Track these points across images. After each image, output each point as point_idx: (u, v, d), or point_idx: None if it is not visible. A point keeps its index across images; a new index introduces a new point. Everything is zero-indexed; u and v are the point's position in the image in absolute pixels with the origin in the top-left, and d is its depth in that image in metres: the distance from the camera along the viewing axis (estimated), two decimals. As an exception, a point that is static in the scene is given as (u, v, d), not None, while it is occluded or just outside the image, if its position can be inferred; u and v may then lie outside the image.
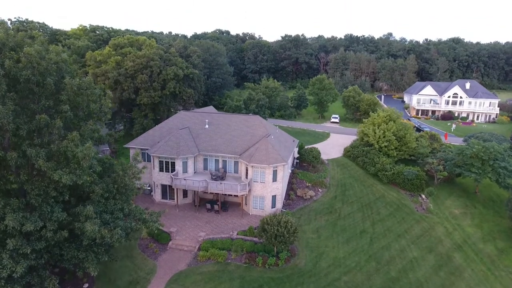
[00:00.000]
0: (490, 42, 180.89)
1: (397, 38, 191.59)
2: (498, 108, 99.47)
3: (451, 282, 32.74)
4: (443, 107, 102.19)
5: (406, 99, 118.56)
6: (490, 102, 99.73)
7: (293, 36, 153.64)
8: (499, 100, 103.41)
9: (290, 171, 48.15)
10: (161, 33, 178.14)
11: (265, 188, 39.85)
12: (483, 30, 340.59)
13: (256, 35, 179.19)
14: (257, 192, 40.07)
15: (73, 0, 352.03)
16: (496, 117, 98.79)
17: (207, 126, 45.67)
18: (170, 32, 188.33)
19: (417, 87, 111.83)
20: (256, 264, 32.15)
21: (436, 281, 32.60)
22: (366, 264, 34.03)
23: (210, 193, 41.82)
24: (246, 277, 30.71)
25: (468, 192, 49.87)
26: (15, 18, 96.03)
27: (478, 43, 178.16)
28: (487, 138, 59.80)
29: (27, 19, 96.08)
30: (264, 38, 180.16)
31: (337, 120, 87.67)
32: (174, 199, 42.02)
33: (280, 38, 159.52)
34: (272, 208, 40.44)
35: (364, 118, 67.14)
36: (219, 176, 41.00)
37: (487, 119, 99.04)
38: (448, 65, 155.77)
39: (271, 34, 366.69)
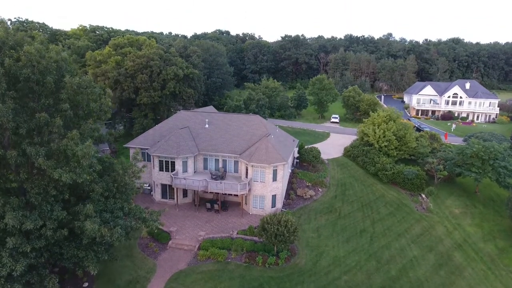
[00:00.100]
0: (490, 42, 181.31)
1: (397, 38, 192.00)
2: (498, 108, 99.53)
3: (451, 281, 32.71)
4: (443, 107, 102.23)
5: (406, 99, 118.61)
6: (490, 102, 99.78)
7: (293, 36, 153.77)
8: (499, 100, 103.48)
9: (290, 170, 48.14)
10: (161, 33, 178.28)
11: (265, 188, 39.82)
12: (483, 30, 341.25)
13: (256, 35, 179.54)
14: (257, 191, 40.05)
15: (73, 0, 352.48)
16: (496, 117, 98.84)
17: (207, 125, 45.67)
18: (170, 32, 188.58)
19: (417, 87, 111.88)
20: (256, 263, 32.12)
21: (437, 280, 32.58)
22: (366, 263, 34.00)
23: (210, 192, 41.80)
24: (246, 276, 30.68)
25: (468, 191, 49.86)
26: (15, 18, 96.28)
27: (478, 43, 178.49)
28: (487, 138, 59.83)
29: (27, 19, 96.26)
30: (264, 38, 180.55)
31: (337, 120, 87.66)
32: (174, 198, 41.99)
33: (280, 38, 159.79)
34: (272, 207, 40.41)
35: (364, 118, 67.13)
36: (219, 175, 40.99)
37: (487, 119, 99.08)
38: (448, 65, 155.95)
39: (271, 34, 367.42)
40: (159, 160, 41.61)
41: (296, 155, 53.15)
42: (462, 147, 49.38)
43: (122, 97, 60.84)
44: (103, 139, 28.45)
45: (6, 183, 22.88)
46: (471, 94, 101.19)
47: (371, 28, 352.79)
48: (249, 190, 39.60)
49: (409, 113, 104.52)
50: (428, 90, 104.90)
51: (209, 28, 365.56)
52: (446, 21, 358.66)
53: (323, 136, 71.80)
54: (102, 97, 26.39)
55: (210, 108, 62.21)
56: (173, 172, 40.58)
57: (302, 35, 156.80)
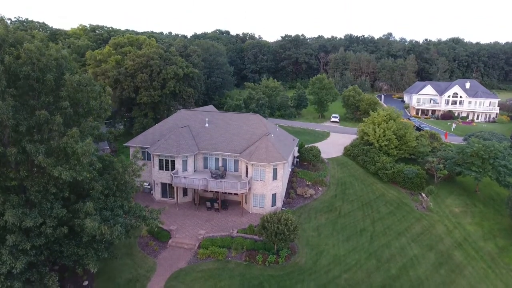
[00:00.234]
0: (490, 42, 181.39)
1: (397, 38, 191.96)
2: (498, 107, 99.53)
3: (451, 279, 32.69)
4: (443, 107, 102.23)
5: (406, 98, 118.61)
6: (490, 102, 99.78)
7: (293, 36, 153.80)
8: (499, 99, 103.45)
9: (290, 169, 48.13)
10: (161, 33, 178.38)
11: (265, 187, 39.80)
12: (483, 30, 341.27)
13: (256, 35, 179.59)
14: (257, 190, 40.03)
15: (73, 0, 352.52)
16: (496, 116, 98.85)
17: (207, 124, 45.66)
18: (170, 32, 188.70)
19: (417, 86, 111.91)
20: (256, 262, 32.10)
21: (437, 279, 32.56)
22: (367, 262, 33.98)
23: (210, 191, 41.77)
24: (246, 275, 30.66)
25: (468, 190, 49.84)
26: (15, 17, 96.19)
27: (478, 43, 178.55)
28: (487, 137, 59.78)
29: (27, 19, 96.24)
30: (264, 38, 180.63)
31: (337, 120, 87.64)
32: (174, 197, 41.96)
33: (280, 38, 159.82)
34: (272, 206, 40.39)
35: (364, 118, 67.12)
36: (219, 174, 40.97)
37: (487, 118, 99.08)
38: (448, 65, 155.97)
39: (271, 34, 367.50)
40: (159, 159, 41.60)
41: (296, 154, 53.14)
42: (462, 146, 49.36)
43: (122, 96, 60.84)
44: (103, 137, 28.46)
45: (6, 181, 22.84)
46: (471, 93, 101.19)
47: (371, 28, 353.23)
48: (249, 189, 39.57)
49: (409, 113, 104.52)
50: (428, 89, 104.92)
51: (209, 28, 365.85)
52: (446, 21, 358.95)
53: (323, 136, 71.80)
54: (102, 95, 26.36)
55: (210, 107, 62.21)
56: (173, 171, 40.56)
57: (302, 35, 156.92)
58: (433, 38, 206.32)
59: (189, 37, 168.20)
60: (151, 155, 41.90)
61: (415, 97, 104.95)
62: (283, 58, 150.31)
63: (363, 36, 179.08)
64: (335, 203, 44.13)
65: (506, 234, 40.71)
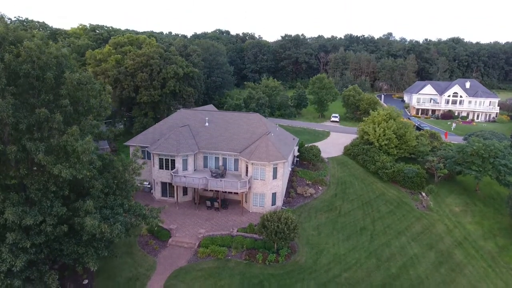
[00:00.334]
0: (490, 42, 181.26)
1: (397, 38, 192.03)
2: (498, 107, 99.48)
3: (451, 278, 32.68)
4: (443, 106, 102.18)
5: (406, 98, 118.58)
6: (490, 101, 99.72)
7: (293, 36, 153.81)
8: (499, 99, 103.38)
9: (290, 169, 48.12)
10: (161, 33, 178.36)
11: (265, 186, 39.78)
12: (483, 30, 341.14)
13: (256, 35, 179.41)
14: (257, 189, 40.01)
15: (73, 0, 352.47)
16: (496, 116, 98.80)
17: (207, 124, 45.65)
18: (170, 32, 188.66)
19: (417, 86, 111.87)
20: (256, 260, 32.09)
21: (437, 278, 32.54)
22: (367, 261, 33.96)
23: (210, 190, 41.74)
24: (246, 274, 30.65)
25: (468, 190, 49.82)
26: (15, 17, 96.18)
27: (478, 43, 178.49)
28: (488, 136, 59.73)
29: (27, 18, 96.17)
30: (264, 38, 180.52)
31: (337, 119, 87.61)
32: (174, 196, 41.93)
33: (280, 38, 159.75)
34: (272, 205, 40.37)
35: (364, 117, 67.11)
36: (219, 173, 40.96)
37: (487, 118, 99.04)
38: (448, 64, 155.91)
39: (271, 34, 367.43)
40: (159, 158, 41.58)
41: (296, 153, 53.13)
42: (463, 145, 49.31)
43: (122, 96, 60.83)
44: (103, 136, 28.44)
45: (6, 180, 22.84)
46: (471, 93, 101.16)
47: (371, 28, 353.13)
48: (249, 188, 39.56)
49: (409, 112, 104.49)
50: (428, 89, 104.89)
51: (209, 28, 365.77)
52: (446, 21, 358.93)
53: (323, 135, 71.78)
54: (102, 93, 26.35)
55: (210, 107, 62.19)
56: (173, 170, 40.54)
57: (302, 34, 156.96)
58: (433, 38, 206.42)
59: (189, 37, 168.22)
60: (151, 154, 41.89)
61: (415, 96, 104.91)
62: (283, 58, 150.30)
63: (363, 36, 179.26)
64: (335, 202, 44.11)
65: (506, 233, 40.70)
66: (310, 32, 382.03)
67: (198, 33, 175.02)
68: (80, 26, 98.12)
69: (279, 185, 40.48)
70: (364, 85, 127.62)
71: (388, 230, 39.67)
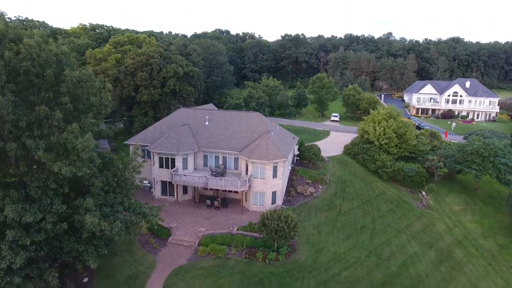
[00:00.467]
0: (490, 42, 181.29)
1: (397, 37, 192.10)
2: (498, 106, 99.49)
3: (452, 277, 32.65)
4: (443, 106, 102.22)
5: (406, 98, 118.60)
6: (490, 101, 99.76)
7: (293, 35, 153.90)
8: (499, 98, 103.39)
9: (290, 168, 48.10)
10: (161, 32, 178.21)
11: (265, 184, 39.77)
12: (483, 30, 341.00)
13: (256, 35, 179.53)
14: (257, 188, 40.00)
15: (73, 0, 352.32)
16: (496, 115, 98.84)
17: (207, 122, 45.64)
18: (170, 32, 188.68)
19: (417, 86, 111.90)
20: (257, 259, 32.07)
21: (437, 276, 32.51)
22: (367, 259, 33.94)
23: (210, 189, 41.73)
24: (246, 272, 30.63)
25: (468, 189, 49.80)
26: (15, 16, 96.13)
27: (478, 43, 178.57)
28: (488, 135, 59.69)
29: (27, 18, 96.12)
30: (264, 38, 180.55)
31: (337, 119, 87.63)
32: (174, 195, 41.91)
33: (280, 38, 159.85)
34: (272, 204, 40.36)
35: (364, 116, 67.10)
36: (219, 172, 40.94)
37: (487, 117, 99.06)
38: (448, 64, 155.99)
39: (271, 33, 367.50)
40: (159, 157, 41.57)
41: (297, 152, 53.10)
42: (463, 144, 49.27)
43: (122, 95, 60.78)
44: (103, 134, 28.42)
45: (5, 177, 22.82)
46: (471, 92, 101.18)
47: (371, 27, 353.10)
48: (249, 186, 39.55)
49: (409, 112, 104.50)
50: (428, 88, 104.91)
51: (209, 27, 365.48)
52: (446, 21, 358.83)
53: (323, 134, 71.78)
54: (102, 91, 26.33)
55: (210, 106, 62.19)
56: (173, 169, 40.53)
57: (302, 34, 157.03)
58: (433, 37, 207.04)
59: (189, 36, 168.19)
60: (151, 153, 41.88)
61: (415, 96, 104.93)
62: (283, 58, 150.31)
63: (363, 35, 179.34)
64: (335, 201, 44.10)
65: (506, 231, 40.68)
66: (310, 31, 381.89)
67: (198, 32, 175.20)
68: (80, 26, 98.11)
69: (279, 184, 40.47)
70: (364, 84, 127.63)
71: (388, 228, 39.65)
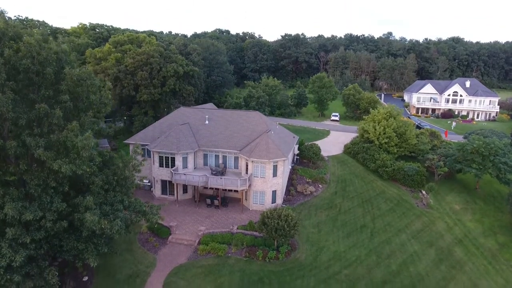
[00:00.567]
0: (490, 42, 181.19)
1: (397, 37, 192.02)
2: (498, 106, 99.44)
3: (452, 275, 32.64)
4: (443, 105, 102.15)
5: (406, 97, 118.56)
6: (490, 100, 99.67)
7: (293, 35, 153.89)
8: (499, 98, 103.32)
9: (290, 167, 48.09)
10: (161, 32, 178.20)
11: (265, 183, 39.75)
12: (483, 30, 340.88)
13: (256, 35, 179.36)
14: (257, 187, 39.98)
15: (73, 0, 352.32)
16: (496, 115, 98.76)
17: (207, 122, 45.62)
18: (170, 32, 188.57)
19: (417, 85, 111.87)
20: (257, 257, 32.07)
21: (437, 275, 32.51)
22: (367, 258, 33.93)
23: (210, 188, 41.76)
24: (246, 271, 30.63)
25: (468, 188, 49.78)
26: (15, 16, 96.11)
27: (478, 42, 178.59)
28: (488, 135, 59.67)
29: (27, 17, 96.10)
30: (264, 38, 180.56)
31: (337, 118, 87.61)
32: (174, 194, 41.90)
33: (280, 38, 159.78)
34: (272, 203, 40.33)
35: (364, 116, 67.06)
36: (219, 171, 40.92)
37: (487, 117, 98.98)
38: (448, 64, 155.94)
39: (271, 33, 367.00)
40: (159, 156, 41.56)
41: (297, 152, 53.09)
42: (463, 143, 49.25)
43: (122, 94, 60.76)
44: (103, 132, 28.42)
45: (5, 175, 22.80)
46: (471, 92, 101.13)
47: (371, 27, 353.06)
48: (249, 185, 39.53)
49: (409, 112, 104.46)
50: (428, 88, 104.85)
51: (209, 27, 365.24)
52: (446, 21, 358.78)
53: (323, 134, 71.74)
54: (102, 89, 26.30)
55: (210, 105, 62.17)
56: (173, 168, 40.51)
57: (302, 34, 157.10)
58: (433, 37, 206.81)
59: (189, 36, 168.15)
60: (151, 152, 41.86)
61: (415, 95, 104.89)
62: (283, 57, 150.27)
63: (363, 35, 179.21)
64: (335, 200, 44.10)
65: (507, 230, 40.67)
66: (310, 31, 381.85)
67: (198, 32, 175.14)
68: (80, 25, 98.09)
69: (279, 183, 40.46)
70: (364, 84, 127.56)
71: (388, 227, 39.64)
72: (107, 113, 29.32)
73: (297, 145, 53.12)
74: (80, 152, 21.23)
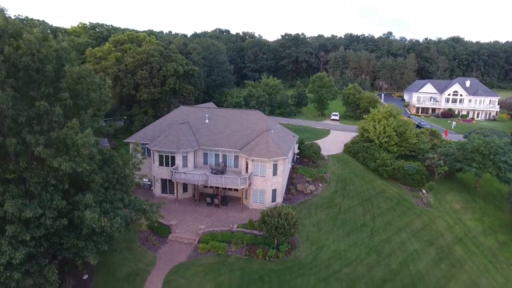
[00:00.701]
0: (490, 41, 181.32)
1: (397, 37, 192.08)
2: (498, 106, 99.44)
3: (452, 274, 32.62)
4: (443, 105, 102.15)
5: (406, 97, 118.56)
6: (490, 100, 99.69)
7: (293, 35, 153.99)
8: (499, 97, 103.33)
9: (290, 166, 48.06)
10: (161, 32, 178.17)
11: (265, 182, 39.73)
12: (483, 29, 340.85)
13: (256, 34, 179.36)
14: (257, 186, 39.96)
15: (73, 0, 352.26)
16: (496, 114, 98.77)
17: (207, 121, 45.60)
18: (170, 31, 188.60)
19: (417, 85, 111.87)
20: (257, 256, 32.04)
21: (437, 273, 32.49)
22: (367, 257, 33.91)
23: (210, 187, 41.70)
24: (246, 269, 30.60)
25: (468, 187, 49.75)
26: (15, 15, 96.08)
27: (478, 42, 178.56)
28: (488, 134, 59.60)
29: (27, 17, 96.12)
30: (264, 37, 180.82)
31: (337, 118, 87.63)
32: (174, 193, 41.88)
33: (280, 37, 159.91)
34: (272, 202, 40.31)
35: (364, 115, 67.03)
36: (219, 170, 40.89)
37: (487, 116, 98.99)
38: (448, 63, 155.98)
39: (271, 33, 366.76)
40: (159, 155, 41.53)
41: (297, 151, 53.07)
42: (463, 142, 49.23)
43: (122, 93, 60.78)
44: (103, 131, 28.42)
45: (5, 173, 22.78)
46: (471, 92, 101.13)
47: (371, 27, 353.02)
48: (249, 184, 39.51)
49: (409, 111, 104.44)
50: (428, 88, 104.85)
51: (209, 27, 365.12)
52: (446, 21, 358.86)
53: (324, 133, 71.75)
54: (102, 87, 26.28)
55: (210, 105, 62.16)
56: (173, 167, 40.48)
57: (302, 33, 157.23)
58: (433, 37, 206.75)
59: (189, 36, 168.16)
60: (151, 151, 41.83)
61: (415, 95, 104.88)
62: (283, 57, 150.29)
63: (363, 35, 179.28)
64: (335, 199, 44.08)
65: (507, 229, 40.64)
66: (310, 31, 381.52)
67: (198, 32, 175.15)
68: (80, 25, 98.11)
69: (279, 182, 40.43)
70: (364, 84, 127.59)
71: (389, 226, 39.62)
72: (107, 112, 29.31)
73: (297, 144, 53.12)
74: (80, 149, 21.20)
